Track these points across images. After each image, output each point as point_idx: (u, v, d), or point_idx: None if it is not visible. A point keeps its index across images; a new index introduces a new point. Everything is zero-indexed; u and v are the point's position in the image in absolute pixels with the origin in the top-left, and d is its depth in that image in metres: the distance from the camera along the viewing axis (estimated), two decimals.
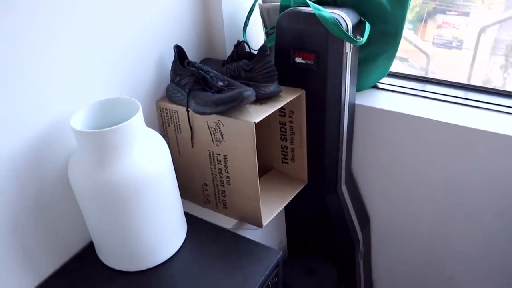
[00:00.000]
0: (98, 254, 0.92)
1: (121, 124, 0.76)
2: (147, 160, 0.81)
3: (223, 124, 0.93)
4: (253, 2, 1.15)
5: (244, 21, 1.17)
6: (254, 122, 0.88)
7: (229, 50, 1.16)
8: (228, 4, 1.12)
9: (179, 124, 1.02)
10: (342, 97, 1.06)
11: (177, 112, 1.00)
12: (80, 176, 0.80)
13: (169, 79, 1.06)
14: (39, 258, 0.87)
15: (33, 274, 0.87)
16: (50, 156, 0.84)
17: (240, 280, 0.86)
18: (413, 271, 1.38)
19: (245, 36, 1.16)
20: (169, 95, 1.03)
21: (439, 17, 1.67)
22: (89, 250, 0.95)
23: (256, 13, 1.19)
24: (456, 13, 1.65)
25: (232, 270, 0.88)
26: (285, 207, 1.18)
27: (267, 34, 1.20)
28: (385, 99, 1.19)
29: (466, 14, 1.62)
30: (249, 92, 0.89)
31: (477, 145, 1.07)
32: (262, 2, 1.17)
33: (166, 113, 1.03)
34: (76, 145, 0.87)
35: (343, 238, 1.23)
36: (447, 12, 1.65)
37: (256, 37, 1.25)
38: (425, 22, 1.68)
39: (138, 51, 0.96)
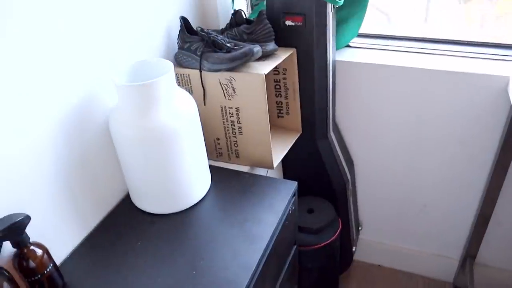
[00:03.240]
0: (136, 202, 1.04)
1: (160, 77, 0.88)
2: (180, 110, 0.94)
3: (235, 79, 1.07)
4: None
5: None
6: (264, 73, 1.03)
7: (221, 21, 1.30)
8: None
9: (191, 86, 1.15)
10: (327, 53, 1.23)
11: (189, 75, 1.13)
12: (122, 126, 0.91)
13: (176, 48, 1.18)
14: (86, 210, 0.97)
15: (83, 225, 0.97)
16: (91, 114, 0.94)
17: (267, 207, 1.01)
18: (393, 205, 1.60)
19: (233, 7, 1.31)
20: (178, 61, 1.15)
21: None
22: (126, 201, 1.06)
23: None
24: None
25: (258, 200, 1.03)
26: None
27: (252, 5, 1.35)
28: (358, 54, 1.38)
29: None
30: (258, 47, 1.04)
31: (435, 84, 1.29)
32: None
33: (178, 77, 1.15)
34: (112, 105, 0.98)
35: (335, 178, 1.42)
36: None
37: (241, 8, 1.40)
38: None
39: (147, 25, 1.08)
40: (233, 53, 1.04)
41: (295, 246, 1.20)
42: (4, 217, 0.76)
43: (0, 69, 0.72)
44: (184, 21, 1.15)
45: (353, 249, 1.59)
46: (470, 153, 1.38)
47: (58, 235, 0.91)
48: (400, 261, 1.74)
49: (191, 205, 1.03)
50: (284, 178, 1.50)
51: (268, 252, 0.93)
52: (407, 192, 1.55)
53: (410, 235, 1.66)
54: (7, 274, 0.73)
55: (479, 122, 1.31)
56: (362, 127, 1.46)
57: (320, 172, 1.40)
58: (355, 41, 1.44)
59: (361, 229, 1.70)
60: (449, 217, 1.54)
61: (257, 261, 0.88)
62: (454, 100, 1.30)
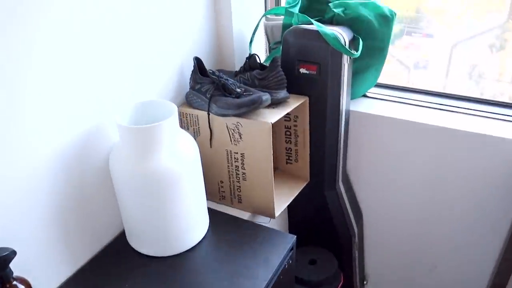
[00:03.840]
0: (131, 242, 1.02)
1: (162, 121, 0.87)
2: (182, 153, 0.92)
3: (242, 125, 1.06)
4: (258, 20, 1.30)
5: (250, 37, 1.31)
6: (271, 122, 1.01)
7: (237, 62, 1.30)
8: (237, 22, 1.26)
9: (198, 127, 1.14)
10: (341, 103, 1.21)
11: (197, 116, 1.13)
12: (122, 166, 0.90)
13: (188, 87, 1.18)
14: (77, 246, 0.96)
15: (72, 260, 0.95)
16: (92, 151, 0.94)
17: (261, 261, 0.97)
18: (401, 262, 1.53)
19: (251, 50, 1.31)
20: (188, 101, 1.15)
21: (405, 39, 1.82)
22: (120, 239, 1.04)
23: (260, 30, 1.33)
24: (421, 35, 1.82)
25: (253, 253, 0.99)
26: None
27: (270, 48, 1.34)
28: (374, 106, 1.35)
29: (430, 35, 1.79)
30: (267, 96, 1.02)
31: (453, 144, 1.24)
32: (266, 21, 1.32)
33: (186, 117, 1.15)
34: (115, 141, 0.98)
35: (341, 231, 1.37)
36: (413, 34, 1.81)
37: (259, 52, 1.40)
38: (392, 43, 1.83)
39: (161, 62, 1.09)
40: (241, 100, 1.02)
41: None
42: None
43: (2, 97, 0.73)
44: (198, 62, 1.15)
45: None
46: (486, 218, 1.30)
47: (44, 270, 0.89)
48: None
49: (186, 249, 1.01)
50: (289, 225, 1.46)
51: None
52: (417, 250, 1.47)
53: None
54: None
55: (497, 187, 1.24)
56: (374, 179, 1.41)
57: (326, 223, 1.36)
58: (372, 91, 1.41)
59: (366, 283, 1.63)
60: (461, 282, 1.45)
61: None
62: (472, 162, 1.25)
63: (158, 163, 0.89)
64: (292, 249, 1.03)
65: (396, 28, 1.26)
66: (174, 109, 0.93)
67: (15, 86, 0.74)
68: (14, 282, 0.78)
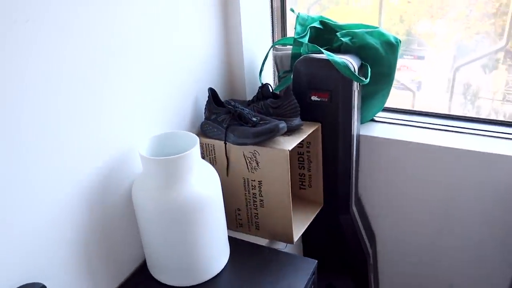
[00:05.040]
0: (152, 272, 1.03)
1: (186, 152, 0.90)
2: (204, 184, 0.94)
3: (259, 153, 1.08)
4: (267, 51, 1.34)
5: (259, 67, 1.35)
6: (288, 150, 1.04)
7: (248, 92, 1.33)
8: (247, 54, 1.30)
9: (215, 156, 1.16)
10: (352, 128, 1.24)
11: (213, 145, 1.15)
12: (146, 197, 0.92)
13: (202, 117, 1.21)
14: (102, 278, 0.97)
15: None
16: (113, 183, 0.95)
17: (285, 286, 0.98)
18: (416, 282, 1.53)
19: (261, 80, 1.35)
20: (204, 131, 1.18)
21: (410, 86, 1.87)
22: (141, 270, 1.05)
23: (269, 60, 1.38)
24: (412, 57, 1.87)
25: (276, 278, 1.00)
26: None
27: (279, 78, 1.38)
28: (383, 129, 1.39)
29: (422, 57, 1.84)
30: (283, 124, 1.05)
31: (461, 163, 1.27)
32: (275, 51, 1.36)
33: (202, 147, 1.17)
34: (136, 172, 1.00)
35: (356, 253, 1.38)
36: (404, 56, 1.86)
37: (267, 81, 1.44)
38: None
39: (178, 95, 1.12)
40: (259, 128, 1.05)
41: None
42: (20, 286, 0.76)
43: (30, 131, 0.75)
44: (212, 92, 1.18)
45: None
46: (498, 237, 1.32)
47: None
48: None
49: (209, 279, 1.01)
50: (303, 250, 1.47)
51: None
52: (431, 269, 1.48)
53: None
54: None
55: (507, 205, 1.27)
56: (385, 201, 1.43)
57: (340, 246, 1.37)
58: (380, 115, 1.45)
59: None
60: None
61: None
62: (481, 181, 1.28)
63: (183, 192, 0.91)
64: (314, 273, 1.04)
65: None
66: (196, 139, 0.95)
67: (47, 125, 0.77)
68: None
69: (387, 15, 1.55)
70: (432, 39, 1.59)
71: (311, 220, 1.24)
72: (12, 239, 0.75)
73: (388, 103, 1.40)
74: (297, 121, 1.14)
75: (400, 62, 1.75)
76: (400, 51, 1.29)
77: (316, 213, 1.28)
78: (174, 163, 0.89)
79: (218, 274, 1.03)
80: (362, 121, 1.39)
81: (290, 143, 1.08)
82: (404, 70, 1.81)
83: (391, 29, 1.56)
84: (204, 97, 1.21)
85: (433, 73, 1.64)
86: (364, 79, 1.18)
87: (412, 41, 1.66)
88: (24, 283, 0.77)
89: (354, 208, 1.36)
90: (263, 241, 1.18)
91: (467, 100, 1.58)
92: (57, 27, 0.76)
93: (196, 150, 0.93)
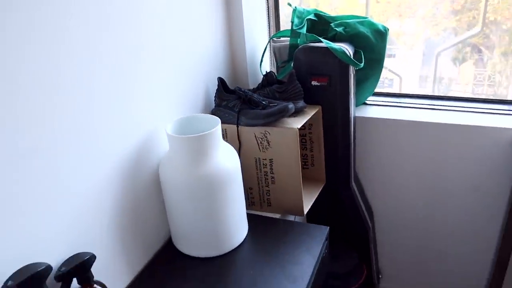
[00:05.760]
0: (178, 246, 1.11)
1: (211, 130, 0.99)
2: (227, 160, 1.04)
3: (269, 133, 1.18)
4: (266, 43, 1.45)
5: (259, 58, 1.46)
6: (297, 128, 1.15)
7: (250, 81, 1.44)
8: (249, 47, 1.40)
9: (227, 140, 1.25)
10: (350, 110, 1.36)
11: (226, 129, 1.24)
12: (173, 173, 1.01)
13: (213, 105, 1.30)
14: (134, 253, 1.04)
15: (131, 268, 1.04)
16: (143, 161, 1.04)
17: (304, 250, 1.08)
18: (411, 252, 1.66)
19: (261, 70, 1.45)
20: None
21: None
22: (168, 246, 1.13)
23: (267, 51, 1.48)
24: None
25: (294, 244, 1.10)
26: None
27: (278, 67, 1.49)
28: (375, 111, 1.51)
29: (393, 55, 1.96)
30: (292, 105, 1.16)
31: (447, 136, 1.41)
32: (274, 43, 1.47)
33: None
34: (162, 151, 1.08)
35: (358, 226, 1.49)
36: None
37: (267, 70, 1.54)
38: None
39: (192, 85, 1.21)
40: (270, 110, 1.15)
41: None
42: (73, 255, 0.84)
43: (78, 128, 0.83)
44: (221, 81, 1.28)
45: None
46: (484, 201, 1.46)
47: (110, 277, 0.97)
48: None
49: (232, 248, 1.10)
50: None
51: None
52: (424, 240, 1.61)
53: (431, 282, 1.70)
54: None
55: (490, 171, 1.41)
56: (380, 177, 1.56)
57: (342, 220, 1.48)
58: (371, 99, 1.57)
59: (381, 277, 1.74)
60: (467, 262, 1.60)
61: None
62: (466, 151, 1.41)
63: (208, 167, 1.00)
64: (327, 239, 1.15)
65: None
66: (218, 120, 1.05)
67: (91, 110, 0.85)
68: (95, 286, 0.86)
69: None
70: (401, 37, 1.71)
71: (317, 195, 1.35)
72: (64, 212, 0.83)
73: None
74: (301, 103, 1.25)
75: None
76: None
77: (320, 190, 1.38)
78: (200, 141, 0.98)
79: (239, 245, 1.12)
80: (356, 104, 1.51)
81: (297, 122, 1.18)
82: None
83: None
84: (213, 87, 1.31)
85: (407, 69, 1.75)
86: (359, 63, 1.30)
87: None
88: (75, 253, 0.85)
89: (354, 185, 1.47)
90: (274, 217, 1.28)
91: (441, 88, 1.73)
92: (100, 27, 0.84)
93: (219, 129, 1.02)
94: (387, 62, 1.79)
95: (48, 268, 0.73)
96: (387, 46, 1.43)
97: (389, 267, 1.74)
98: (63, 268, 0.80)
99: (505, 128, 1.34)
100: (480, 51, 1.58)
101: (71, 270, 0.80)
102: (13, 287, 0.69)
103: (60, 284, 0.81)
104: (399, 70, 1.72)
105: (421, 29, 1.63)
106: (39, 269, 0.72)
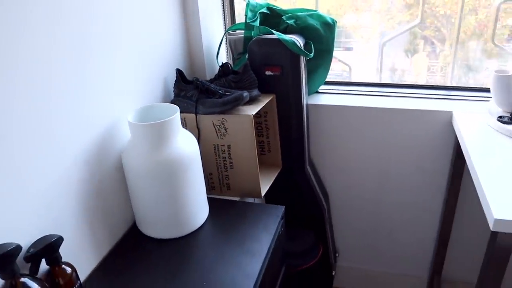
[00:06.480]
0: (142, 229, 1.16)
1: (170, 117, 1.05)
2: (186, 146, 1.10)
3: (226, 120, 1.25)
4: (222, 36, 1.52)
5: (216, 51, 1.52)
6: (252, 114, 1.22)
7: (208, 72, 1.50)
8: (205, 40, 1.47)
9: (186, 128, 1.31)
10: (302, 97, 1.45)
11: (185, 118, 1.30)
12: (135, 159, 1.06)
13: (172, 95, 1.36)
14: (100, 237, 1.09)
15: (98, 250, 1.08)
16: (107, 149, 1.08)
17: (261, 228, 1.16)
18: (365, 231, 1.77)
19: (218, 61, 1.52)
20: None
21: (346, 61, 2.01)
22: (133, 230, 1.18)
23: (224, 44, 1.55)
24: (342, 49, 2.07)
25: (252, 224, 1.18)
26: None
27: (234, 59, 1.56)
28: (326, 98, 1.61)
29: (350, 49, 2.04)
30: (246, 93, 1.23)
31: (392, 120, 1.53)
32: (229, 36, 1.54)
33: None
34: (124, 140, 1.13)
35: (313, 207, 1.59)
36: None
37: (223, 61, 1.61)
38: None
39: (150, 77, 1.26)
40: (226, 98, 1.22)
41: (283, 268, 1.34)
42: (41, 237, 0.88)
43: (40, 119, 0.88)
44: (180, 73, 1.34)
45: (333, 273, 1.74)
46: (427, 180, 1.59)
47: (78, 259, 1.02)
48: (377, 285, 1.89)
49: (194, 229, 1.17)
50: None
51: (266, 263, 1.07)
52: (376, 218, 1.73)
53: (383, 258, 1.83)
54: (47, 285, 0.84)
55: (432, 151, 1.54)
56: (334, 161, 1.66)
57: (299, 203, 1.57)
58: (323, 88, 1.67)
59: (338, 256, 1.86)
60: (415, 238, 1.73)
61: (259, 270, 1.02)
62: (409, 133, 1.53)
63: (168, 153, 1.06)
64: (283, 217, 1.23)
65: None
66: (176, 108, 1.11)
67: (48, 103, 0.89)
68: (63, 266, 0.91)
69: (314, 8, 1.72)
70: (358, 31, 1.80)
71: (273, 179, 1.43)
72: (32, 195, 0.87)
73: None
74: (256, 92, 1.33)
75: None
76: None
77: (277, 174, 1.47)
78: (160, 128, 1.04)
79: (201, 226, 1.19)
80: (309, 93, 1.61)
81: (252, 110, 1.26)
82: (335, 62, 1.98)
83: None
84: (172, 78, 1.36)
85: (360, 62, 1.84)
86: (309, 54, 1.39)
87: (340, 33, 1.84)
88: (44, 234, 0.89)
89: (308, 168, 1.56)
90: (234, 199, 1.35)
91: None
92: (51, 20, 0.88)
93: (177, 116, 1.08)
94: (344, 54, 1.89)
95: (18, 247, 0.77)
96: (342, 40, 1.51)
97: (345, 246, 1.85)
98: (31, 249, 0.85)
99: (443, 111, 1.47)
100: (432, 43, 1.70)
101: (40, 251, 0.85)
102: None
103: (29, 265, 0.85)
104: (356, 62, 1.81)
105: (377, 23, 1.73)
106: (9, 248, 0.76)
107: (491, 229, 0.96)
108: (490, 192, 1.02)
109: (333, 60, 1.57)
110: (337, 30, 1.51)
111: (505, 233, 0.96)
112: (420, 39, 1.71)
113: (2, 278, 0.77)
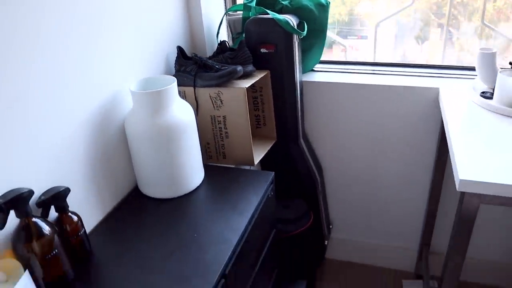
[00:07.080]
0: (143, 190, 1.28)
1: (168, 86, 1.16)
2: (183, 113, 1.21)
3: (222, 93, 1.36)
4: (222, 16, 1.62)
5: (216, 30, 1.63)
6: (245, 87, 1.32)
7: (208, 50, 1.60)
8: (206, 20, 1.57)
9: (186, 100, 1.42)
10: (295, 74, 1.54)
11: (184, 91, 1.41)
12: (137, 125, 1.17)
13: (174, 70, 1.47)
14: (105, 194, 1.21)
15: (102, 206, 1.21)
16: (111, 115, 1.20)
17: (251, 191, 1.27)
18: (358, 204, 1.87)
19: (218, 40, 1.62)
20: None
21: (343, 42, 2.04)
22: (135, 190, 1.31)
23: (223, 24, 1.65)
24: (356, 37, 2.07)
25: (245, 186, 1.29)
26: (259, 160, 1.61)
27: (233, 38, 1.66)
28: (322, 76, 1.70)
29: (365, 37, 2.08)
30: (240, 68, 1.33)
31: (383, 96, 1.61)
32: (229, 16, 1.64)
33: None
34: (127, 109, 1.25)
35: (306, 179, 1.69)
36: (348, 37, 1.95)
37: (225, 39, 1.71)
38: (331, 47, 1.99)
39: (154, 52, 1.37)
40: (221, 72, 1.33)
41: (274, 230, 1.45)
42: (51, 188, 1.00)
43: (53, 85, 0.99)
44: (180, 50, 1.44)
45: (326, 243, 1.84)
46: (416, 155, 1.68)
47: (84, 211, 1.14)
48: (369, 256, 1.99)
49: (190, 191, 1.28)
50: None
51: (253, 221, 1.18)
52: (369, 192, 1.82)
53: (375, 231, 1.92)
54: (56, 229, 0.96)
55: (420, 127, 1.62)
56: (328, 136, 1.75)
57: (293, 174, 1.67)
58: (318, 67, 1.76)
59: (332, 227, 1.95)
60: (406, 211, 1.82)
61: (245, 226, 1.13)
62: (399, 109, 1.62)
63: (167, 119, 1.17)
64: (272, 182, 1.34)
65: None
66: (174, 80, 1.22)
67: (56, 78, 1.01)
68: (70, 214, 1.03)
69: None
70: (371, 19, 1.84)
71: (268, 148, 1.54)
72: (43, 149, 0.99)
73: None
74: (250, 67, 1.43)
75: (346, 43, 1.95)
76: (344, 32, 1.59)
77: (271, 145, 1.57)
78: (159, 96, 1.15)
79: (196, 188, 1.30)
80: (304, 71, 1.70)
81: (246, 83, 1.36)
82: (350, 50, 1.94)
83: (334, 10, 1.78)
84: (174, 55, 1.47)
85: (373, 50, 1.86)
86: (302, 32, 1.48)
87: (355, 20, 1.86)
88: (53, 186, 1.01)
89: (302, 141, 1.66)
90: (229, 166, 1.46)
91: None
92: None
93: (175, 86, 1.19)
94: (358, 43, 1.92)
95: (31, 192, 0.90)
96: (357, 28, 1.56)
97: (339, 218, 1.95)
98: (42, 197, 0.97)
99: (430, 87, 1.55)
100: (449, 31, 1.75)
101: (49, 198, 0.97)
102: (0, 204, 0.85)
103: (40, 210, 0.97)
104: (369, 51, 1.87)
105: (391, 11, 1.77)
106: (23, 191, 0.88)
107: (457, 189, 1.04)
108: (459, 156, 1.10)
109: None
110: (330, 11, 1.59)
111: (470, 193, 1.05)
112: (437, 27, 1.74)
113: (17, 217, 0.89)
